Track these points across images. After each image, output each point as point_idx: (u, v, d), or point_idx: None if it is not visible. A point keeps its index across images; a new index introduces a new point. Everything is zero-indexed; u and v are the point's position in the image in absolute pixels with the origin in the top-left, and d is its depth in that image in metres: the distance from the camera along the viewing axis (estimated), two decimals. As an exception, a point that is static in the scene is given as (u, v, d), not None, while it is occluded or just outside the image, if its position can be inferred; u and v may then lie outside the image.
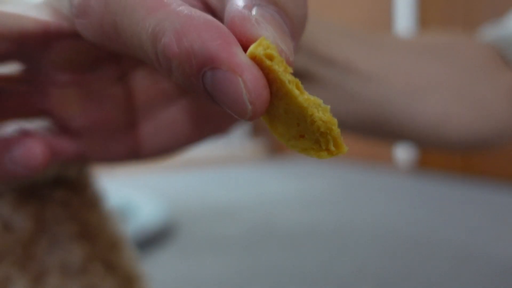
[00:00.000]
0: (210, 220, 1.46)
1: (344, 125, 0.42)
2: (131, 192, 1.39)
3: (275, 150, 3.89)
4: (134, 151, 0.32)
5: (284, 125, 0.22)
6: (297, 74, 0.21)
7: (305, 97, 0.20)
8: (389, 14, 2.47)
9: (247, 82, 0.16)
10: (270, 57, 0.17)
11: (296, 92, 0.20)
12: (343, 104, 0.41)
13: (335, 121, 0.21)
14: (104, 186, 0.45)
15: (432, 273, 0.98)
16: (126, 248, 0.39)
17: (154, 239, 1.17)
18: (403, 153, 2.45)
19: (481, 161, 2.08)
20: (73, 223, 0.35)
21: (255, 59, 0.17)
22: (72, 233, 0.35)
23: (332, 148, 0.23)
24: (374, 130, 0.43)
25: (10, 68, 0.27)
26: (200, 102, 0.31)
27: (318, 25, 0.43)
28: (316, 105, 0.20)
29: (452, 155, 2.22)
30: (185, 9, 0.16)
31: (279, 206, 1.67)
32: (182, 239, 1.26)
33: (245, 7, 0.17)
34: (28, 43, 0.23)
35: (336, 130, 0.22)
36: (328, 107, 0.21)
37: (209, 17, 0.18)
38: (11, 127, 0.28)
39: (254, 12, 0.17)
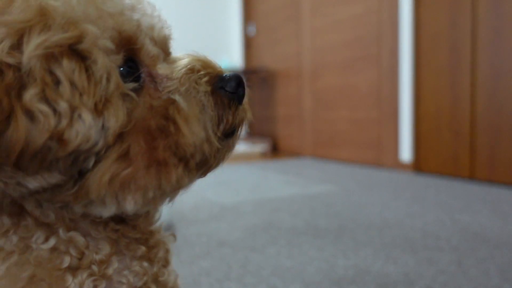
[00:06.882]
0: (209, 221, 1.47)
1: None
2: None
3: (275, 150, 3.90)
4: None
5: None
6: None
7: None
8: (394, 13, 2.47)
9: None
10: None
11: None
12: None
13: None
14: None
15: (432, 272, 0.98)
16: (171, 264, 0.44)
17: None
18: (400, 157, 2.46)
19: (470, 163, 2.09)
20: (139, 247, 0.39)
21: None
22: (138, 255, 0.39)
23: None
24: None
25: None
26: None
27: None
28: None
29: (444, 159, 2.23)
30: None
31: (279, 206, 1.68)
32: (180, 240, 1.26)
33: None
34: None
35: None
36: None
37: None
38: None
39: None
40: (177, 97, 0.35)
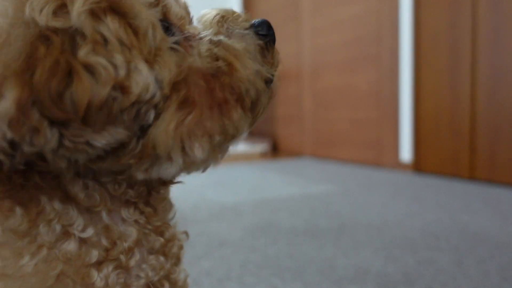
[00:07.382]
0: (209, 221, 1.47)
1: None
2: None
3: (275, 150, 3.90)
4: None
5: None
6: None
7: None
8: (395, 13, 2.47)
9: None
10: None
11: None
12: None
13: None
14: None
15: (433, 271, 0.98)
16: (181, 262, 0.44)
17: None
18: (400, 157, 2.46)
19: (469, 163, 2.09)
20: (157, 238, 0.39)
21: None
22: (155, 248, 0.39)
23: None
24: None
25: None
26: None
27: None
28: None
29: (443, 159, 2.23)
30: None
31: (279, 206, 1.68)
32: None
33: None
34: None
35: None
36: None
37: None
38: None
39: None
40: (221, 37, 0.36)
